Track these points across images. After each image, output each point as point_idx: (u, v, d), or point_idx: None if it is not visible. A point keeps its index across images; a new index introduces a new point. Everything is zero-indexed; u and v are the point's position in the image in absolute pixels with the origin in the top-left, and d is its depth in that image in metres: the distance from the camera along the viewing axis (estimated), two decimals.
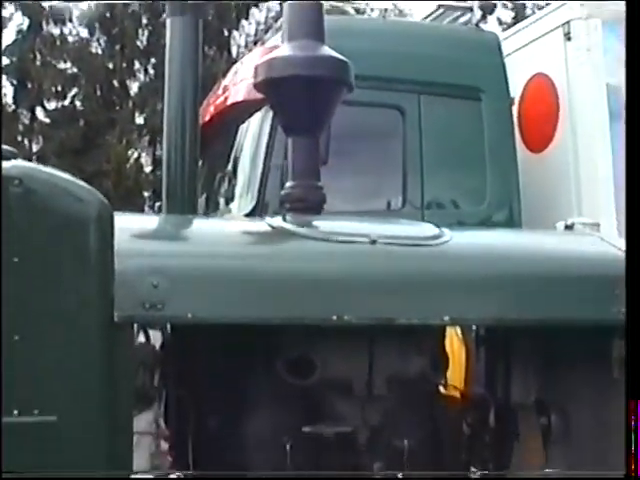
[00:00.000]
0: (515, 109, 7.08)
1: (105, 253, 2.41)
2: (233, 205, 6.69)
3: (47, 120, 21.75)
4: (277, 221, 2.96)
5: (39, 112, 21.82)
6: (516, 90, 7.15)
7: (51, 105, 21.91)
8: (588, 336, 3.12)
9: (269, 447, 2.96)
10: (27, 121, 21.70)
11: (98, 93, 21.57)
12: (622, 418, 3.03)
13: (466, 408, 3.34)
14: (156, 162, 20.89)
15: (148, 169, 21.62)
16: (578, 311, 2.95)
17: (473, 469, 3.17)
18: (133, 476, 2.63)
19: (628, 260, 2.60)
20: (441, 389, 3.38)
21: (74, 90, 21.76)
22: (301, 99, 3.21)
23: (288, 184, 3.33)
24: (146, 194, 20.44)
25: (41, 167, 2.54)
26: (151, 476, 2.74)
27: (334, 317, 2.62)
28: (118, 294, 2.42)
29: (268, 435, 2.97)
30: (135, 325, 2.56)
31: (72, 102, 21.86)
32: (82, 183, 2.49)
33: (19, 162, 2.42)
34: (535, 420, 3.34)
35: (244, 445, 2.98)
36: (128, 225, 2.69)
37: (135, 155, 21.55)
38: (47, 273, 2.37)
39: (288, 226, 2.91)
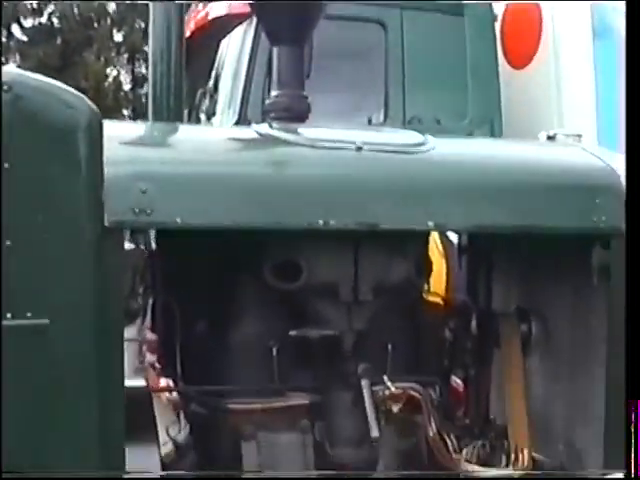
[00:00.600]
0: (498, 25, 7.07)
1: (95, 159, 2.43)
2: (215, 120, 6.68)
3: (24, 38, 21.45)
4: (264, 128, 2.98)
5: (15, 29, 21.51)
6: (499, 6, 7.13)
7: (28, 22, 21.60)
8: (569, 244, 3.17)
9: (255, 351, 3.02)
10: (4, 39, 21.40)
11: (75, 10, 21.25)
12: (603, 327, 3.10)
13: (448, 314, 3.41)
14: (135, 80, 20.74)
15: (127, 87, 21.44)
16: (559, 219, 2.98)
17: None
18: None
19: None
20: (425, 295, 3.44)
21: (51, 7, 21.44)
22: (286, 7, 3.22)
23: (273, 93, 3.34)
24: (125, 112, 20.30)
25: (30, 74, 2.54)
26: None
27: (320, 222, 2.66)
28: (108, 200, 2.44)
29: (254, 339, 3.02)
30: (125, 230, 2.58)
31: (49, 19, 21.55)
32: (72, 90, 2.49)
33: (9, 68, 2.42)
34: (516, 327, 3.41)
35: (231, 349, 3.04)
36: (117, 132, 2.70)
37: (114, 73, 21.34)
38: (37, 179, 2.39)
39: (275, 133, 2.92)
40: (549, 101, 6.94)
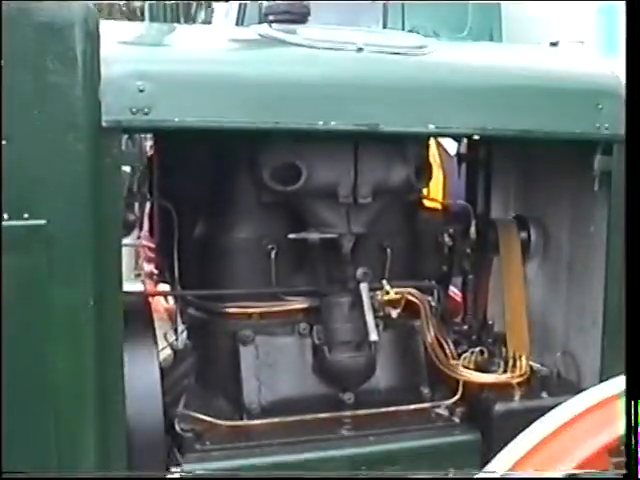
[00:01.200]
0: None
1: (91, 56, 2.37)
2: None
3: None
4: (264, 29, 2.93)
5: None
6: None
7: None
8: (569, 151, 3.15)
9: (254, 254, 3.00)
10: None
11: None
12: (602, 234, 3.09)
13: (447, 220, 3.39)
14: None
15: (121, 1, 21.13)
16: (561, 124, 2.95)
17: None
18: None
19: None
20: (424, 200, 3.42)
21: None
22: None
23: None
24: None
25: None
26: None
27: (320, 123, 2.62)
28: (105, 99, 2.40)
29: (253, 243, 3.00)
30: (122, 130, 2.54)
31: None
32: None
33: None
34: (515, 234, 3.40)
35: (229, 252, 3.02)
36: (114, 31, 2.66)
37: None
38: (33, 77, 2.34)
39: (275, 34, 2.87)
40: (550, 10, 6.88)
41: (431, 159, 3.34)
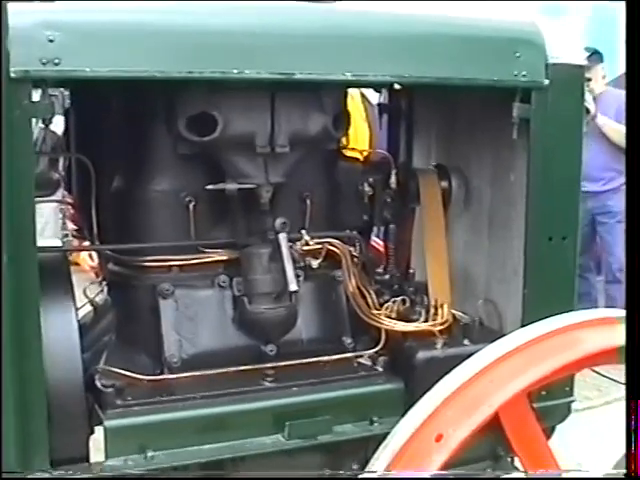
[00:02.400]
0: None
1: None
2: None
3: None
4: None
5: None
6: None
7: None
8: (489, 99, 3.14)
9: (172, 206, 2.95)
10: None
11: None
12: (522, 183, 3.10)
13: (368, 169, 3.37)
14: None
15: None
16: (479, 72, 2.94)
17: None
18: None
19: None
20: (344, 150, 3.40)
21: None
22: None
23: None
24: None
25: None
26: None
27: (234, 71, 2.58)
28: (13, 50, 2.34)
29: (170, 195, 2.95)
30: (32, 81, 2.47)
31: None
32: None
33: None
34: (436, 184, 3.39)
35: (147, 205, 2.96)
36: None
37: None
38: None
39: None
40: None
41: (357, 112, 3.32)
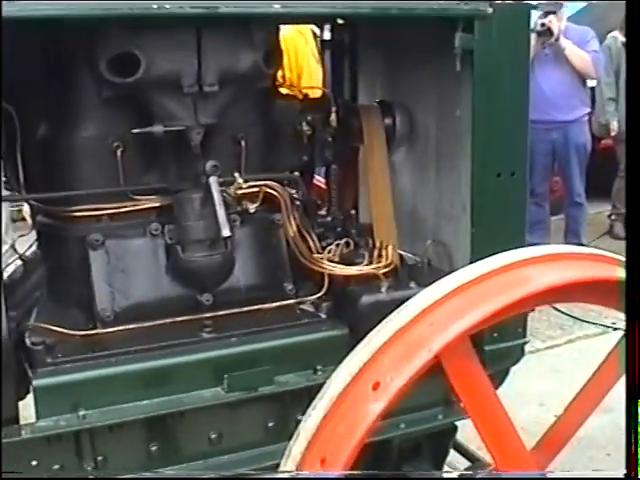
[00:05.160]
0: None
1: None
2: None
3: None
4: None
5: None
6: None
7: None
8: (431, 31, 3.01)
9: (99, 152, 2.80)
10: None
11: None
12: (467, 117, 2.98)
13: (306, 107, 3.22)
14: None
15: None
16: (418, 0, 2.82)
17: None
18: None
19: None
20: (279, 87, 3.25)
21: None
22: None
23: None
24: None
25: None
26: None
27: (154, 7, 2.43)
28: None
29: (97, 140, 2.80)
30: None
31: None
32: None
33: None
34: (379, 121, 3.26)
35: (73, 152, 2.81)
36: None
37: None
38: None
39: None
40: None
41: (309, 51, 3.17)
